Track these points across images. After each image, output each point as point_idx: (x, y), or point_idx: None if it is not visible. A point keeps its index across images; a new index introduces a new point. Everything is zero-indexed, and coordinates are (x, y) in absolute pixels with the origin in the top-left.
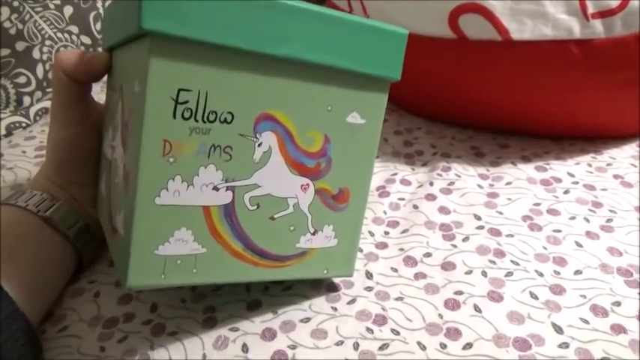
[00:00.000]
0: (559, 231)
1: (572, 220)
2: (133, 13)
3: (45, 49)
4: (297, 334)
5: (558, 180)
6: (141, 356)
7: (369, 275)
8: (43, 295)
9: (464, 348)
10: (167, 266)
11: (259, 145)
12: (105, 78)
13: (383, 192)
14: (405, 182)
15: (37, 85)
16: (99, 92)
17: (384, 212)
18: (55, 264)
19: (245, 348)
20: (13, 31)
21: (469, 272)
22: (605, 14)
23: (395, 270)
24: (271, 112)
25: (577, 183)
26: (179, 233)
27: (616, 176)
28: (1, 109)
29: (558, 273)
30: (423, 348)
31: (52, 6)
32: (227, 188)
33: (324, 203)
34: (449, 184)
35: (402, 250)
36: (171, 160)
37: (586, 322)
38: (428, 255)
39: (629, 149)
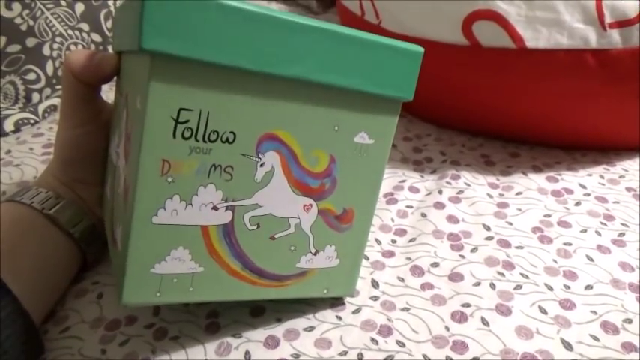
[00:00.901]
0: (570, 244)
1: (583, 233)
2: (135, 30)
3: (55, 46)
4: (300, 342)
5: (570, 191)
6: None
7: (375, 284)
8: (46, 294)
9: None
10: (163, 284)
11: (261, 166)
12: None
13: (391, 199)
14: (413, 190)
15: (47, 81)
16: (107, 91)
17: (392, 220)
18: (59, 263)
19: (247, 355)
20: (24, 28)
21: (477, 284)
22: (622, 24)
23: (402, 279)
24: (275, 133)
25: (589, 195)
26: (176, 252)
27: (629, 189)
28: (10, 105)
29: (568, 287)
30: None
31: (63, 3)
32: (227, 208)
33: (327, 223)
34: (458, 193)
35: (409, 259)
36: (169, 179)
37: (596, 338)
38: (435, 265)
39: None
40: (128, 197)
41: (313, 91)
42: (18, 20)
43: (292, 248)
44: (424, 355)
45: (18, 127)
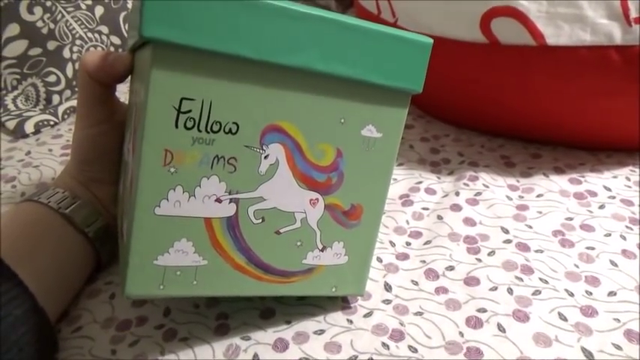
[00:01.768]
0: (593, 248)
1: (607, 237)
2: (138, 19)
3: (75, 49)
4: (310, 346)
5: (593, 194)
6: None
7: (387, 287)
8: (61, 293)
9: None
10: (166, 277)
11: (266, 158)
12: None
13: (406, 201)
14: (429, 191)
15: (67, 84)
16: (125, 92)
17: (407, 222)
18: (74, 262)
19: (256, 358)
20: (45, 31)
21: (494, 289)
22: None
23: (415, 283)
24: (279, 124)
25: (614, 197)
26: (179, 244)
27: None
28: (31, 107)
29: (590, 293)
30: None
31: (83, 6)
32: (230, 200)
33: (335, 219)
34: (476, 195)
35: (423, 262)
36: (172, 170)
37: (619, 347)
38: (451, 268)
39: None
40: (132, 189)
41: (318, 81)
42: (39, 24)
43: (299, 244)
44: None
45: (38, 129)
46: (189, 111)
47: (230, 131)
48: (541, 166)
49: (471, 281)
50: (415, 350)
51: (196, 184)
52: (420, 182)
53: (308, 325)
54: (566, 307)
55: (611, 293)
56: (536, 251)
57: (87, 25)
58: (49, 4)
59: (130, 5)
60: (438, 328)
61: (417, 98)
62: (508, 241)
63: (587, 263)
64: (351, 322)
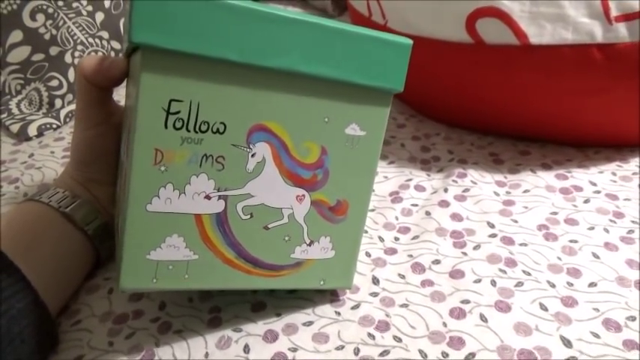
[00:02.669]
0: (575, 241)
1: (590, 231)
2: (128, 25)
3: (77, 54)
4: (298, 337)
5: (579, 189)
6: (146, 353)
7: (375, 281)
8: (61, 288)
9: (466, 358)
10: (159, 271)
11: (252, 156)
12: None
13: (396, 197)
14: (419, 188)
15: (69, 88)
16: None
17: (396, 218)
18: (74, 258)
19: (247, 349)
20: (47, 37)
21: (478, 281)
22: (629, 17)
23: (402, 276)
24: (265, 123)
25: (599, 192)
26: (171, 239)
27: None
28: (34, 110)
29: (571, 284)
30: (425, 356)
31: (84, 12)
32: (219, 197)
33: (321, 214)
34: (463, 191)
35: (410, 256)
36: (162, 168)
37: (597, 336)
38: (437, 262)
39: None
40: (125, 187)
41: (302, 82)
42: (42, 30)
43: (286, 238)
44: (420, 351)
45: (41, 132)
46: (178, 112)
47: (218, 131)
48: (529, 162)
49: (455, 274)
50: (399, 340)
51: (186, 182)
52: (410, 180)
53: (297, 317)
54: (547, 297)
55: (592, 284)
56: (521, 245)
57: (88, 30)
58: (51, 10)
59: None
60: (422, 319)
61: (408, 97)
62: (493, 235)
63: (570, 256)
64: (338, 313)
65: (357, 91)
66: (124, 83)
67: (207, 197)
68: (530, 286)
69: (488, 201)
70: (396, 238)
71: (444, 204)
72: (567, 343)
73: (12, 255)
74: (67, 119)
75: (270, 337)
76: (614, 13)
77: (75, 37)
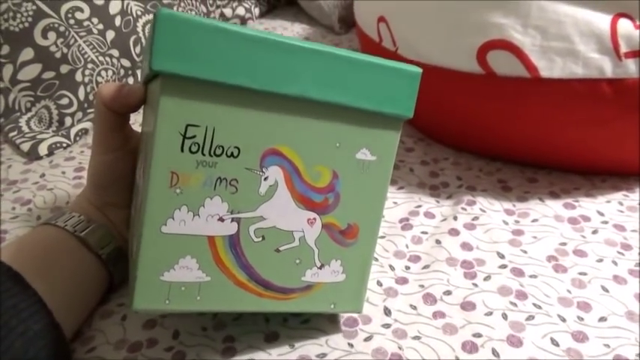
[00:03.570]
0: (585, 274)
1: (599, 263)
2: (148, 54)
3: (87, 72)
4: None
5: (587, 219)
6: None
7: (387, 312)
8: (76, 311)
9: None
10: (171, 292)
11: (265, 179)
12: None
13: (406, 224)
14: (428, 215)
15: (79, 106)
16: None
17: (406, 246)
18: (88, 282)
19: None
20: (58, 55)
21: (489, 314)
22: (638, 54)
23: (414, 307)
24: (278, 148)
25: (606, 223)
26: (184, 261)
27: None
28: (44, 129)
29: (582, 319)
30: None
31: (95, 31)
32: (232, 219)
33: (332, 238)
34: (473, 219)
35: (422, 286)
36: (177, 191)
37: None
38: (448, 293)
39: None
40: (141, 209)
41: (314, 108)
42: (53, 48)
43: (297, 261)
44: None
45: (51, 151)
46: (194, 136)
47: (232, 155)
48: (537, 190)
49: (467, 306)
50: None
51: (200, 204)
52: (420, 206)
53: (311, 349)
54: (559, 332)
55: (602, 319)
56: (531, 276)
57: (99, 49)
58: (62, 29)
59: (139, 29)
60: (435, 352)
61: (417, 122)
62: (504, 266)
63: (580, 289)
64: (351, 345)
65: (368, 117)
66: (141, 109)
67: (221, 219)
68: (541, 320)
69: (498, 230)
70: (407, 267)
71: (453, 232)
72: None
73: (28, 277)
74: (78, 138)
75: None
76: (623, 49)
77: (86, 56)
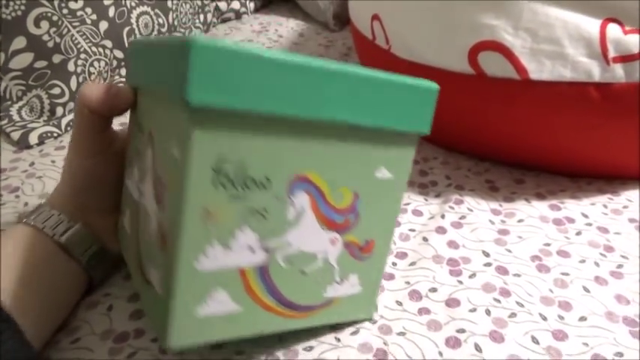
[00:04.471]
0: (567, 274)
1: (581, 264)
2: (175, 78)
3: (79, 62)
4: None
5: (571, 220)
6: None
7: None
8: (52, 320)
9: None
10: (204, 325)
11: (293, 206)
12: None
13: None
14: (416, 213)
15: (70, 96)
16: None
17: (394, 242)
18: (66, 290)
19: None
20: (51, 44)
21: (473, 310)
22: (626, 59)
23: (400, 303)
24: (305, 174)
25: (590, 225)
26: (217, 294)
27: (631, 220)
28: (35, 118)
29: (562, 318)
30: None
31: (88, 21)
32: (262, 248)
33: (351, 254)
34: (460, 218)
35: (408, 283)
36: (210, 226)
37: None
38: (434, 290)
39: None
40: (168, 244)
41: (339, 131)
42: (45, 37)
43: (320, 280)
44: None
45: (42, 140)
46: (226, 171)
47: (262, 185)
48: (524, 191)
49: (451, 303)
50: None
51: (232, 237)
52: (408, 204)
53: (297, 342)
54: (539, 330)
55: (582, 318)
56: (515, 275)
57: (91, 39)
58: (55, 18)
59: (133, 21)
60: (418, 348)
61: None
62: (488, 265)
63: (562, 288)
64: (338, 339)
65: (388, 136)
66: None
67: (251, 250)
68: (523, 317)
69: (484, 229)
70: (394, 264)
71: (440, 230)
72: None
73: (4, 285)
74: (69, 128)
75: None
76: (612, 54)
77: (78, 46)
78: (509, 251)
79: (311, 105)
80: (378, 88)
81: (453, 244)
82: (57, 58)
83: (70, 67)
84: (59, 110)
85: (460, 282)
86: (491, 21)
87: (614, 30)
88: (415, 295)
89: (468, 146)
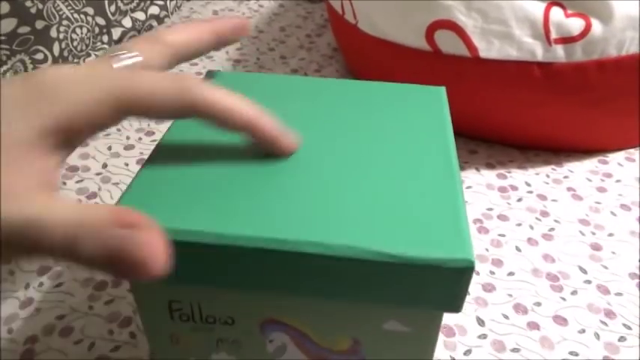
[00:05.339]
0: (503, 235)
1: (517, 227)
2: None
3: (62, 29)
4: None
5: (515, 188)
6: (123, 319)
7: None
8: None
9: None
10: None
11: (270, 342)
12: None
13: None
14: None
15: (53, 62)
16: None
17: None
18: None
19: None
20: (33, 10)
21: None
22: (567, 40)
23: None
24: (279, 319)
25: (531, 192)
26: None
27: (569, 189)
28: None
29: (493, 273)
30: None
31: None
32: None
33: None
34: None
35: None
36: (181, 348)
37: (506, 317)
38: None
39: (589, 164)
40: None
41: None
42: (28, 4)
43: None
44: None
45: None
46: (180, 309)
47: (226, 322)
48: (475, 161)
49: None
50: None
51: (208, 358)
52: None
53: None
54: (472, 284)
55: (510, 273)
56: None
57: (74, 6)
58: None
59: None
60: None
61: None
62: None
63: (497, 248)
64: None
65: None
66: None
67: None
68: None
69: None
70: None
71: None
72: (481, 322)
73: None
74: None
75: None
76: (553, 35)
77: (61, 12)
78: None
79: (285, 283)
80: (387, 268)
81: None
82: (40, 24)
83: (53, 33)
84: None
85: None
86: (447, 1)
87: (556, 13)
88: None
89: None
